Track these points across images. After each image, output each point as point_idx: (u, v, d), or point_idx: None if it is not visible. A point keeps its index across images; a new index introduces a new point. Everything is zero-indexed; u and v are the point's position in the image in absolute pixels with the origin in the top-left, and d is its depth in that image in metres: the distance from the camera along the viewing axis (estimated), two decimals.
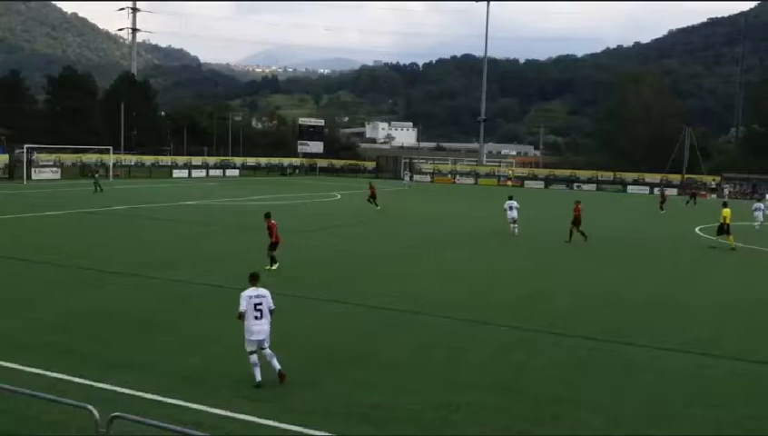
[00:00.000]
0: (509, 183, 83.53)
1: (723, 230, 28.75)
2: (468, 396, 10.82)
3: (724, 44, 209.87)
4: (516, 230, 30.86)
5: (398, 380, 11.51)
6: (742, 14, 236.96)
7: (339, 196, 53.89)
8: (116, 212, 36.45)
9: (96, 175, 53.48)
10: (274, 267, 20.28)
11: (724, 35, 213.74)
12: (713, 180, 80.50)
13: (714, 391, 11.66)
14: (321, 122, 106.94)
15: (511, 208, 31.28)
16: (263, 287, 11.27)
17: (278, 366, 10.96)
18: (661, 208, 46.18)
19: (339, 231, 31.71)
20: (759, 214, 37.51)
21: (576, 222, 29.09)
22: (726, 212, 28.89)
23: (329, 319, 15.56)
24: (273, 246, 20.44)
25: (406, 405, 10.33)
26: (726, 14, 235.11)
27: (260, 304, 10.90)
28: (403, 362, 12.49)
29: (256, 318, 10.85)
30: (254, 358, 10.88)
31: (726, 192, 73.24)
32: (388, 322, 15.47)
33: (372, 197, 43.00)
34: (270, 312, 11.08)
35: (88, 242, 25.76)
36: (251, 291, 11.00)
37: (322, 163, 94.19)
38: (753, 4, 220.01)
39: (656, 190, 73.11)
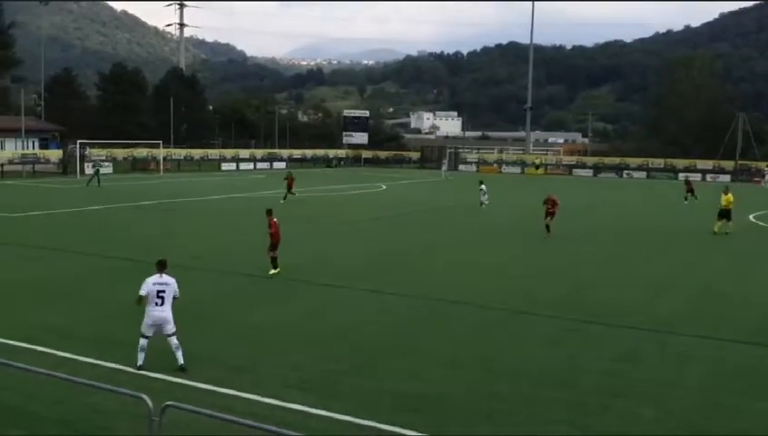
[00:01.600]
0: (539, 171, 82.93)
1: (723, 215, 28.36)
2: (514, 387, 10.79)
3: None
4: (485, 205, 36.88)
5: (443, 370, 11.53)
6: None
7: (385, 187, 53.99)
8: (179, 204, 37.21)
9: (98, 168, 52.33)
10: (274, 272, 18.26)
11: None
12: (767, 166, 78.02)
13: None
14: (366, 113, 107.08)
15: (483, 193, 37.40)
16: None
17: (181, 360, 11.03)
18: (686, 199, 44.05)
19: (386, 222, 31.80)
20: None
21: (550, 214, 27.38)
22: (726, 198, 28.47)
23: (375, 308, 15.66)
24: (274, 246, 18.38)
25: (452, 395, 10.36)
26: None
27: (163, 291, 11.09)
28: (449, 353, 12.50)
29: (156, 304, 11.07)
30: (144, 343, 11.05)
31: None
32: (431, 312, 15.48)
33: (288, 189, 39.24)
34: (175, 299, 11.23)
35: (152, 231, 26.33)
36: (156, 278, 11.16)
37: (367, 154, 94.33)
38: None
39: (681, 176, 71.35)
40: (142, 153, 71.18)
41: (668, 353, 12.73)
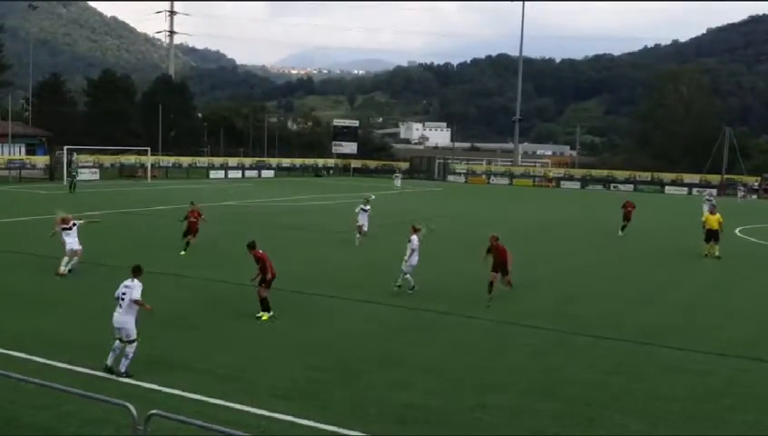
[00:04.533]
0: (551, 184, 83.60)
1: (711, 236, 26.32)
2: (501, 398, 10.78)
3: (766, 41, 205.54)
4: (358, 239, 26.20)
5: (430, 380, 11.51)
6: None
7: (374, 197, 53.94)
8: (156, 212, 37.01)
9: (75, 174, 52.58)
10: (267, 315, 15.02)
11: (766, 33, 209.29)
12: (755, 180, 78.74)
13: (755, 394, 11.42)
14: (356, 123, 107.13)
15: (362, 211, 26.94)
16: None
17: (122, 368, 10.87)
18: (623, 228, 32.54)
19: (376, 232, 31.77)
20: None
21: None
22: (712, 218, 26.61)
23: (364, 318, 15.62)
24: (267, 283, 15.14)
25: (438, 406, 10.33)
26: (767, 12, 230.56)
27: (125, 294, 11.09)
28: (436, 363, 12.48)
29: (118, 307, 11.11)
30: (115, 344, 11.09)
31: (740, 193, 70.33)
32: (420, 323, 15.46)
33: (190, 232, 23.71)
34: (134, 302, 11.06)
35: (125, 242, 26.16)
36: (126, 281, 11.27)
37: (356, 163, 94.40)
38: None
39: (668, 190, 71.12)
40: (129, 159, 70.80)
41: (655, 366, 12.77)
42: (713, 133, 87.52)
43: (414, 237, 18.06)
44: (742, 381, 12.16)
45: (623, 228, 32.15)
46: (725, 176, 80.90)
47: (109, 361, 11.02)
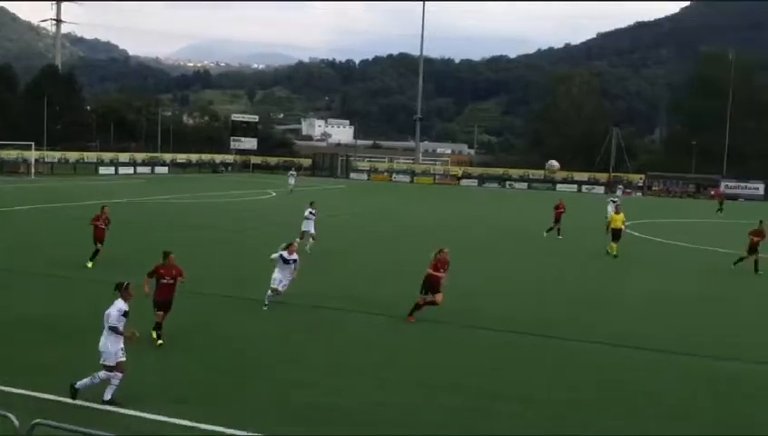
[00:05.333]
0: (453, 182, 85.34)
1: (616, 236, 27.06)
2: (405, 394, 10.84)
3: (651, 46, 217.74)
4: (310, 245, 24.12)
5: (331, 379, 11.41)
6: (667, 18, 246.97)
7: (275, 193, 53.37)
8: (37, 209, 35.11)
9: None
10: (160, 342, 12.78)
11: (651, 38, 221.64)
12: (640, 178, 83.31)
13: (625, 380, 11.99)
14: (255, 118, 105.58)
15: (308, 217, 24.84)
16: None
17: (78, 384, 9.80)
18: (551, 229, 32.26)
19: (275, 229, 31.38)
20: None
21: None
22: (617, 218, 27.48)
23: (262, 318, 15.32)
24: (166, 306, 12.95)
25: (339, 404, 10.26)
26: (653, 18, 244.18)
27: (107, 316, 10.09)
28: (338, 362, 12.40)
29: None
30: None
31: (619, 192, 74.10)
32: (319, 321, 15.33)
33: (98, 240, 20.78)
34: (110, 328, 10.00)
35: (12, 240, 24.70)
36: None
37: (256, 160, 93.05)
38: (683, 4, 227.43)
39: (560, 187, 73.78)
40: (11, 154, 66.78)
41: (547, 354, 13.21)
42: (602, 134, 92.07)
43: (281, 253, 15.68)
44: (619, 366, 12.72)
45: (549, 230, 31.56)
46: (613, 174, 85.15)
47: (79, 383, 9.83)
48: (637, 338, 14.59)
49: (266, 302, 15.71)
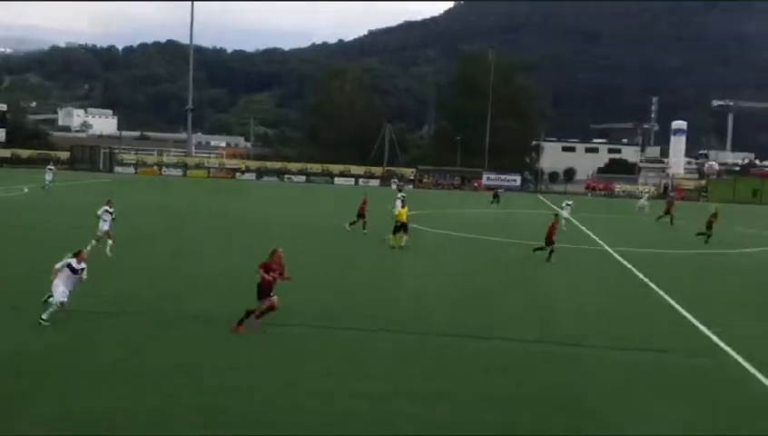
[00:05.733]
0: (230, 176, 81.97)
1: (399, 228, 27.24)
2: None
3: (419, 45, 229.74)
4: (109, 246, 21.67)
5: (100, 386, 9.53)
6: (432, 19, 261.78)
7: (27, 190, 47.49)
8: None
9: None
10: None
11: (419, 38, 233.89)
12: (411, 172, 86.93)
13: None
14: (3, 106, 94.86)
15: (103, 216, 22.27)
16: None
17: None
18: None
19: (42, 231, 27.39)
20: None
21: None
22: (402, 212, 27.78)
23: (40, 330, 12.73)
24: None
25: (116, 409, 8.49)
26: (420, 18, 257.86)
27: None
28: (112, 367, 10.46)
29: None
30: None
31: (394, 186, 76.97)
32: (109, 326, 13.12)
33: None
34: None
35: None
36: None
37: (5, 153, 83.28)
38: (449, 5, 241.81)
39: (338, 181, 75.24)
40: None
41: (388, 350, 12.37)
42: (374, 129, 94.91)
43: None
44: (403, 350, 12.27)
45: (353, 223, 31.04)
46: (386, 168, 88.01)
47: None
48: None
49: (45, 318, 13.12)
